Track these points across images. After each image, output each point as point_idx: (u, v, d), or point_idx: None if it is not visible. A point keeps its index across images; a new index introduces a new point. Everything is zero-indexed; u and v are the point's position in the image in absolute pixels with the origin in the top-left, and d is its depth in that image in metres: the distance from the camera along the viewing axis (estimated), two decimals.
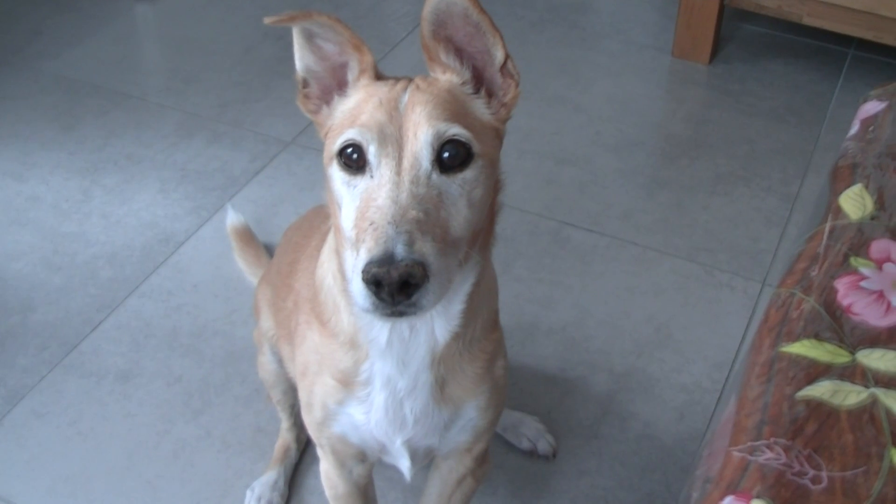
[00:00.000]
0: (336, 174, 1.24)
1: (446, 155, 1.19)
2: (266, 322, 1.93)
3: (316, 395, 1.48)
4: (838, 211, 1.16)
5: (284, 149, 2.86)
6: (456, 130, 1.20)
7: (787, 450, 0.85)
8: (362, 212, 1.17)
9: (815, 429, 0.88)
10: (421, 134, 1.19)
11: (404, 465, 1.52)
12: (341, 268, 1.32)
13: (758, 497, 0.81)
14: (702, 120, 3.02)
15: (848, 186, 1.33)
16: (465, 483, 1.66)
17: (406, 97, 1.23)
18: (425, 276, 1.11)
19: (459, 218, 1.20)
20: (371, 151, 1.19)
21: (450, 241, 1.18)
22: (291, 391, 1.99)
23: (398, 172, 1.17)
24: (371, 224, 1.14)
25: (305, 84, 1.35)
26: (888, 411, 0.95)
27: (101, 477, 2.03)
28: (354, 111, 1.26)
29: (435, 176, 1.19)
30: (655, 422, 2.15)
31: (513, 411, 2.11)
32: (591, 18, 3.47)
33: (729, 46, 3.32)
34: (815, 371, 0.94)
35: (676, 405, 2.18)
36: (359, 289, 1.13)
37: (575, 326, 2.35)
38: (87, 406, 2.16)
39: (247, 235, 2.45)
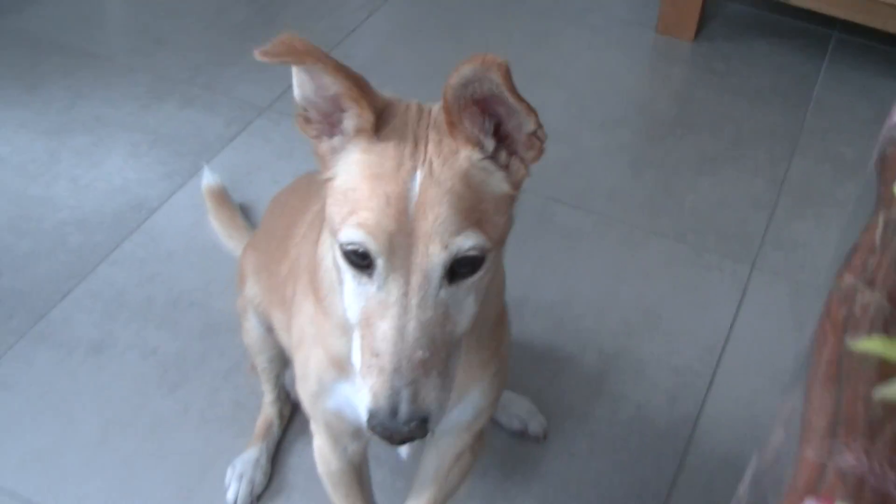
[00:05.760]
0: (340, 261, 1.14)
1: (459, 267, 1.11)
2: (252, 289, 1.85)
3: (311, 368, 1.41)
4: (892, 200, 1.11)
5: (260, 114, 2.76)
6: (472, 243, 1.09)
7: (866, 453, 0.81)
8: (367, 318, 1.11)
9: (894, 431, 0.84)
10: (434, 253, 1.08)
11: None
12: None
13: (842, 500, 0.76)
14: (687, 99, 2.97)
15: None
16: (462, 458, 1.60)
17: (416, 187, 1.09)
18: (426, 429, 1.10)
19: (465, 319, 1.13)
20: (380, 264, 1.09)
21: (455, 341, 1.13)
22: (277, 359, 1.92)
23: (406, 293, 1.09)
24: (376, 357, 1.09)
25: (305, 108, 1.18)
26: None
27: (73, 452, 1.94)
28: (356, 195, 1.11)
29: (443, 292, 1.10)
30: (647, 404, 2.10)
31: (503, 390, 2.05)
32: None
33: (712, 24, 3.27)
34: (888, 370, 0.90)
35: (668, 388, 2.14)
36: (363, 411, 1.11)
37: (563, 306, 2.30)
38: (57, 378, 2.07)
39: (222, 197, 2.37)
